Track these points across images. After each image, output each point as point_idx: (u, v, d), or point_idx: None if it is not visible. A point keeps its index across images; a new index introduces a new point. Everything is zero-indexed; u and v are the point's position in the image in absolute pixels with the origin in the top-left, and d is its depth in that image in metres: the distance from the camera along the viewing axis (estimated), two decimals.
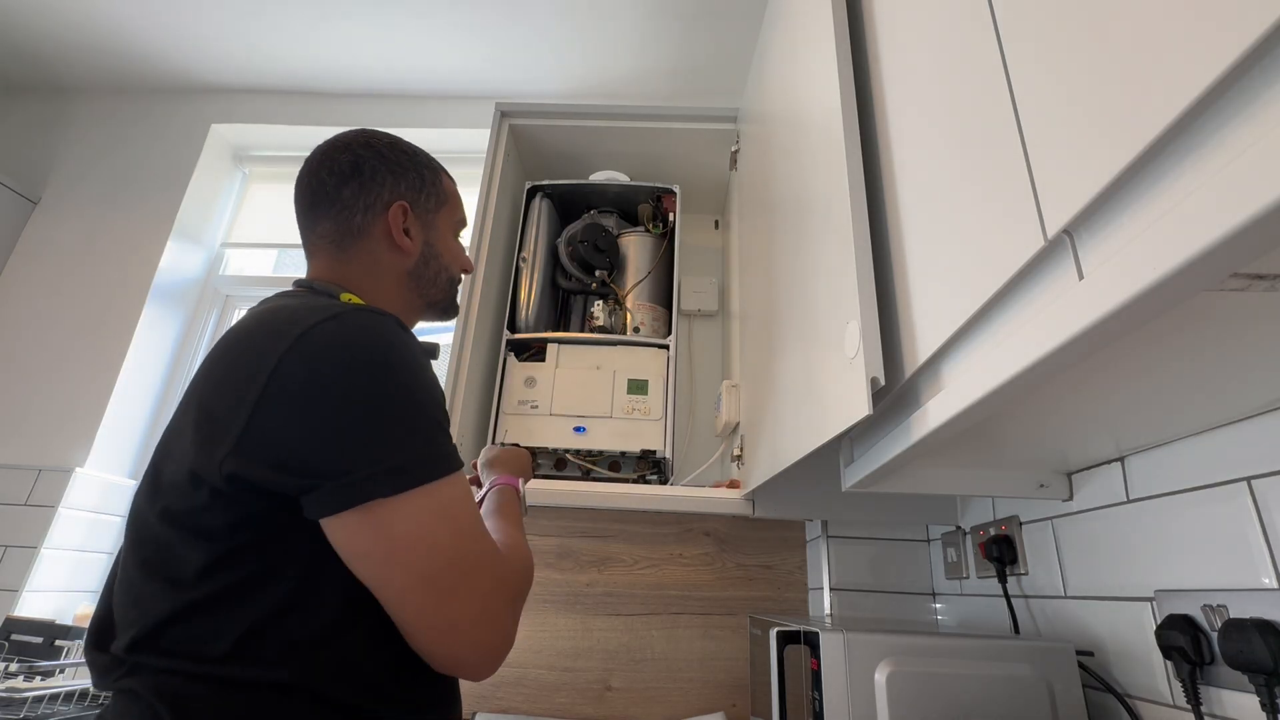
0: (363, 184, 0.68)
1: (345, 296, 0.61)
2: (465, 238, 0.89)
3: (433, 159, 0.76)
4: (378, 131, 0.73)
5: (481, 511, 0.67)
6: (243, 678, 0.45)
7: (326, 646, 0.48)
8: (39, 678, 1.13)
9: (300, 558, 0.48)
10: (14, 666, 1.15)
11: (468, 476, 0.60)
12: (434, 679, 0.54)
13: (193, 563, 0.47)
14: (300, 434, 0.47)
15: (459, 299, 0.80)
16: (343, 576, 0.48)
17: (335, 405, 0.48)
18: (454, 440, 0.55)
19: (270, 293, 0.62)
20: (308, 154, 0.72)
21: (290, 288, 0.66)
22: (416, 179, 0.71)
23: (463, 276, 0.79)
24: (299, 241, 0.72)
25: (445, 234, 0.74)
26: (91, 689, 1.15)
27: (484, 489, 0.75)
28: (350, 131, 0.72)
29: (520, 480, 0.77)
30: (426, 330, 1.51)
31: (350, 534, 0.47)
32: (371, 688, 0.49)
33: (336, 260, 0.68)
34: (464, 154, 1.85)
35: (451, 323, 1.13)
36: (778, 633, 0.79)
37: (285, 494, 0.47)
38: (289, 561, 0.48)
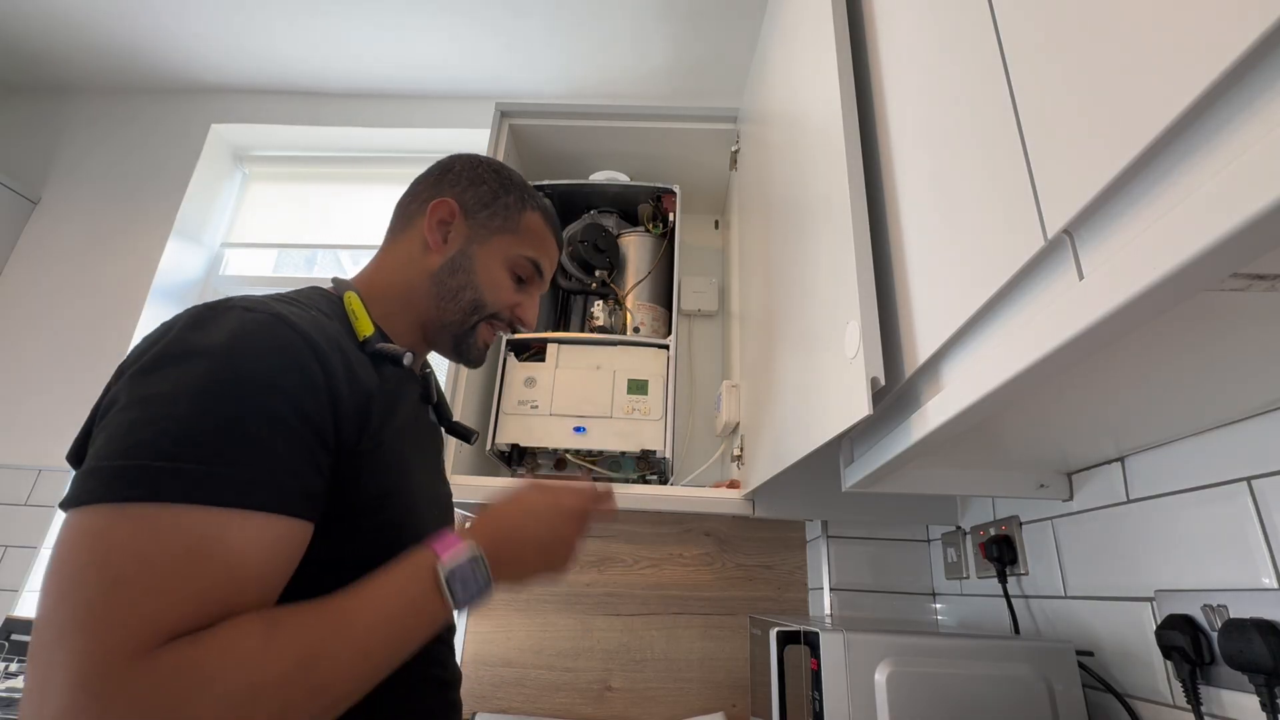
0: (437, 180, 0.68)
1: (348, 295, 0.58)
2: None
3: (536, 197, 0.70)
4: (501, 163, 0.72)
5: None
6: None
7: None
8: None
9: None
10: (14, 666, 1.15)
11: (278, 520, 0.41)
12: (401, 698, 0.49)
13: None
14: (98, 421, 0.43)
15: (477, 349, 0.68)
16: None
17: (119, 395, 0.42)
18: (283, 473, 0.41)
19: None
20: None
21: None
22: (489, 193, 0.67)
23: (503, 323, 0.68)
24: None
25: (493, 257, 0.66)
26: None
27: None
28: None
29: (478, 559, 0.47)
30: None
31: None
32: None
33: (382, 252, 0.67)
34: None
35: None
36: (778, 633, 0.79)
37: None
38: None
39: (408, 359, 0.57)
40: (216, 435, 0.39)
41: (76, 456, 0.45)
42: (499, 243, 0.66)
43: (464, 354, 0.68)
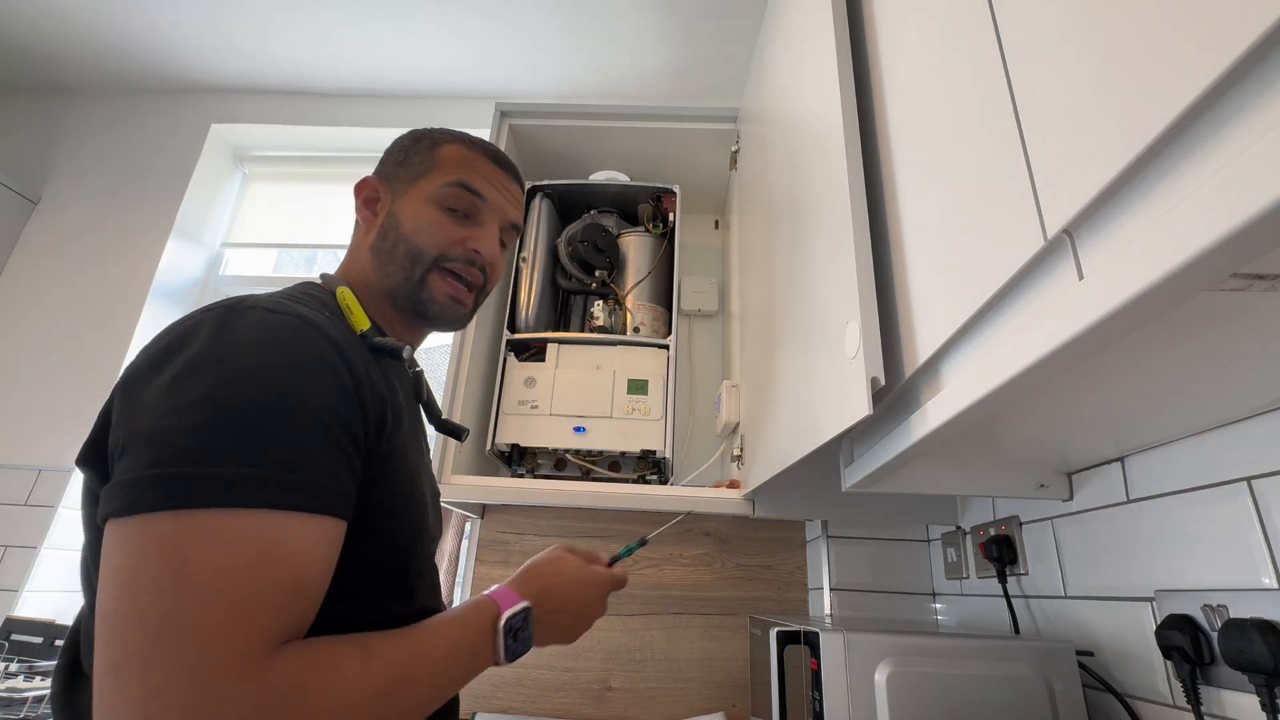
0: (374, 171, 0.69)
1: (341, 291, 0.58)
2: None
3: (457, 135, 0.67)
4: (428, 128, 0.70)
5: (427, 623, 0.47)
6: None
7: None
8: (39, 678, 1.13)
9: None
10: (14, 666, 1.15)
11: (325, 523, 0.42)
12: None
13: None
14: (109, 422, 0.43)
15: (437, 302, 0.62)
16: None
17: (132, 393, 0.42)
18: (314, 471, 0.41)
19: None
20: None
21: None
22: (400, 152, 0.66)
23: (458, 264, 0.62)
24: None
25: (415, 203, 0.62)
26: None
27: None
28: None
29: (530, 614, 0.51)
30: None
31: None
32: None
33: (345, 254, 0.68)
34: None
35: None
36: (778, 633, 0.79)
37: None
38: None
39: (406, 352, 0.57)
40: (266, 439, 0.40)
41: (88, 460, 0.44)
42: (419, 187, 0.63)
43: (425, 312, 0.62)
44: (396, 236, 0.62)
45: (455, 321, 0.65)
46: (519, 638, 0.50)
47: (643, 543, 0.73)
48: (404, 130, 0.70)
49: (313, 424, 0.42)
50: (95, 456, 0.43)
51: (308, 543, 0.40)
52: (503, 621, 0.49)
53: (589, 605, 0.60)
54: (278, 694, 0.35)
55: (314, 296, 0.56)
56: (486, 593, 0.52)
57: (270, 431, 0.40)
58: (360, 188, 0.66)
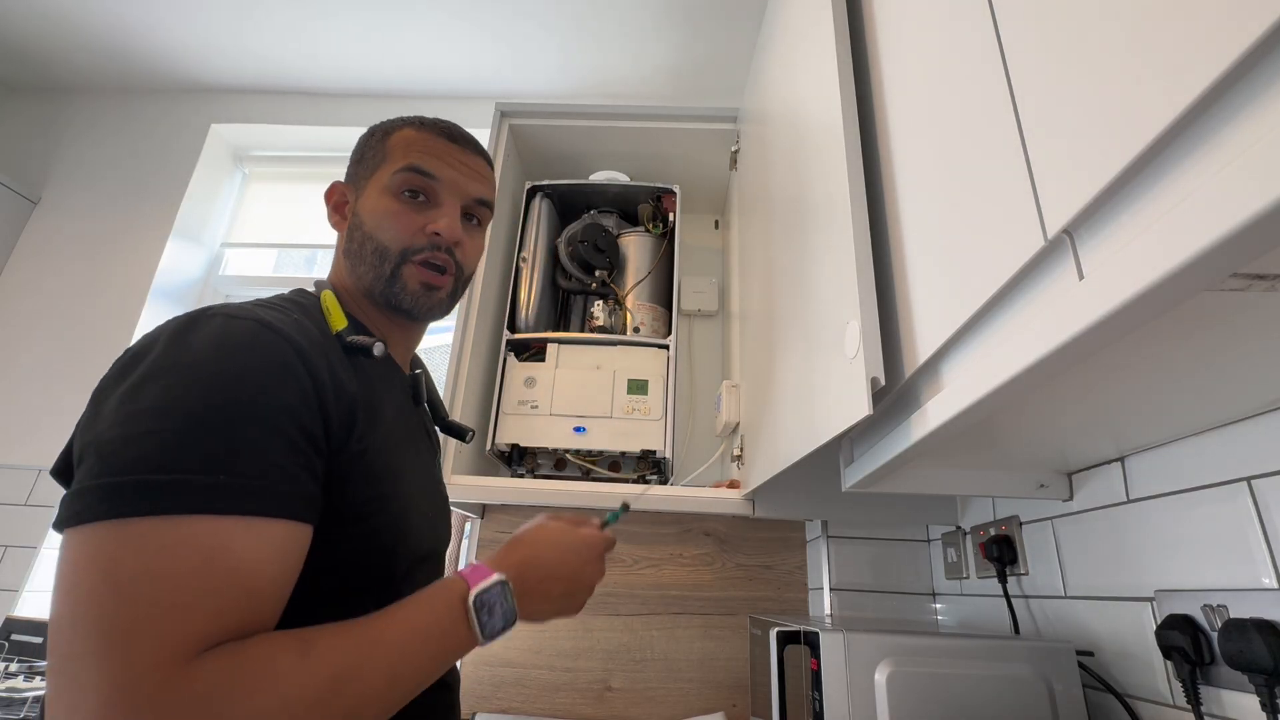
0: None
1: (325, 294, 0.58)
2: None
3: (398, 119, 0.65)
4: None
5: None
6: None
7: None
8: (39, 678, 1.13)
9: None
10: (14, 666, 1.16)
11: (290, 526, 0.42)
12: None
13: None
14: (78, 429, 0.43)
15: (410, 294, 0.60)
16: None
17: (96, 404, 0.42)
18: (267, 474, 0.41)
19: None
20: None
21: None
22: (358, 150, 0.66)
23: (425, 252, 0.60)
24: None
25: (374, 196, 0.61)
26: None
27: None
28: None
29: (505, 586, 0.48)
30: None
31: None
32: None
33: None
34: None
35: (450, 322, 1.04)
36: (778, 633, 0.79)
37: None
38: None
39: (378, 349, 0.55)
40: (211, 444, 0.39)
41: (61, 473, 0.44)
42: (375, 180, 0.62)
43: (401, 305, 0.61)
44: (362, 235, 0.61)
45: (434, 309, 0.63)
46: (495, 614, 0.47)
47: (625, 509, 0.69)
48: None
49: (265, 427, 0.41)
50: (65, 468, 0.44)
51: (256, 546, 0.39)
52: (471, 598, 0.46)
53: (583, 568, 0.57)
54: (201, 696, 0.34)
55: (295, 301, 0.55)
56: (459, 570, 0.49)
57: (218, 437, 0.40)
58: (329, 194, 0.66)
